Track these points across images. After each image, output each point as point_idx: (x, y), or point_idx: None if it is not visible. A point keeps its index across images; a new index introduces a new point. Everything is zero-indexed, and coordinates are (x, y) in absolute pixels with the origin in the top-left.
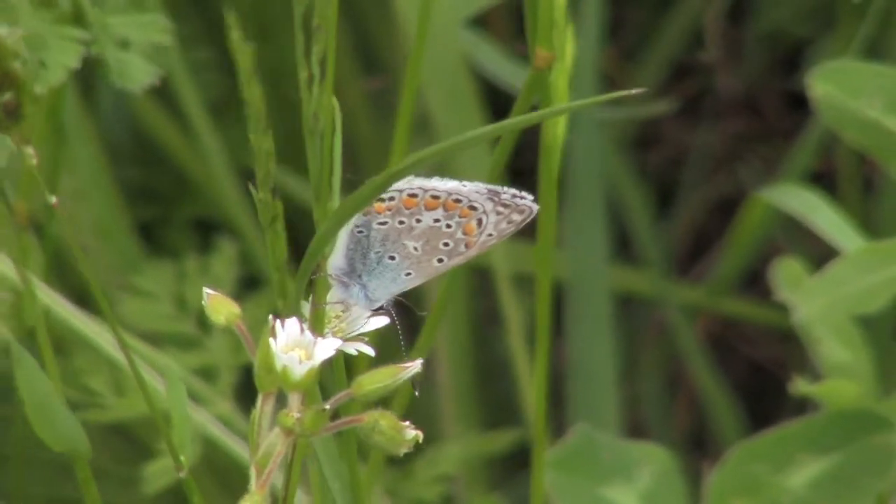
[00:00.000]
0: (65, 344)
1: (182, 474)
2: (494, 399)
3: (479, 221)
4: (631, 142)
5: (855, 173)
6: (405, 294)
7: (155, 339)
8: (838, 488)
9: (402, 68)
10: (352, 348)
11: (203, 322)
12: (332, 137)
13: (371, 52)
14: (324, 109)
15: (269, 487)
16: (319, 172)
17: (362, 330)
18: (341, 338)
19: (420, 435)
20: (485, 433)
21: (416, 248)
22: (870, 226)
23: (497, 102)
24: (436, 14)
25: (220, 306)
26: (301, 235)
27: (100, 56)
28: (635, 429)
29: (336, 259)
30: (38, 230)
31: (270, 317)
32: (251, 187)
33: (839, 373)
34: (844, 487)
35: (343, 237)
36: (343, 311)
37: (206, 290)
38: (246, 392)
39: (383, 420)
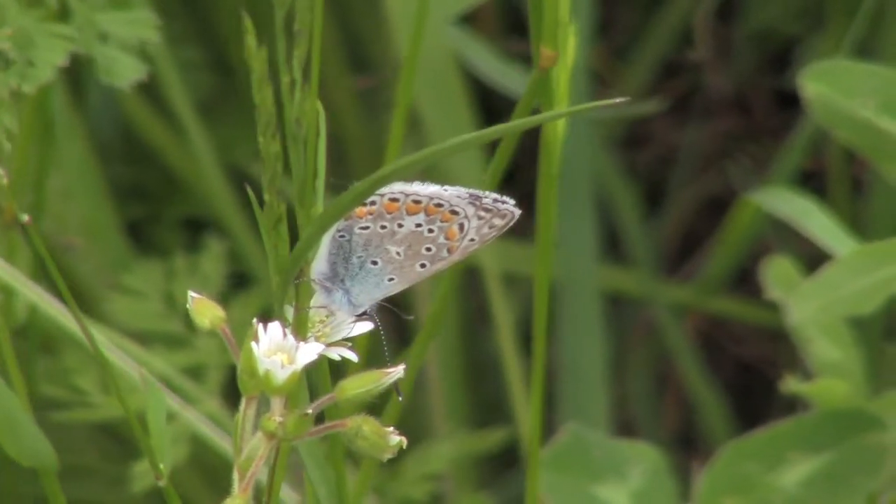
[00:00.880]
0: (53, 342)
1: (161, 483)
2: (483, 398)
3: (461, 226)
4: (620, 141)
5: (844, 172)
6: (391, 299)
7: (143, 338)
8: (830, 487)
9: (392, 66)
10: (335, 353)
11: (191, 321)
12: (315, 142)
13: (360, 50)
14: (306, 114)
15: (253, 490)
16: (303, 177)
17: (346, 335)
18: (324, 342)
19: (404, 441)
20: (474, 432)
21: (398, 253)
22: (858, 226)
23: (486, 100)
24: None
25: (205, 309)
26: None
27: (87, 53)
28: (625, 428)
29: (318, 264)
30: (25, 228)
31: (254, 320)
32: (249, 189)
33: (830, 372)
34: (836, 486)
35: (325, 242)
36: (327, 316)
37: (191, 294)
38: (234, 390)
39: (366, 425)
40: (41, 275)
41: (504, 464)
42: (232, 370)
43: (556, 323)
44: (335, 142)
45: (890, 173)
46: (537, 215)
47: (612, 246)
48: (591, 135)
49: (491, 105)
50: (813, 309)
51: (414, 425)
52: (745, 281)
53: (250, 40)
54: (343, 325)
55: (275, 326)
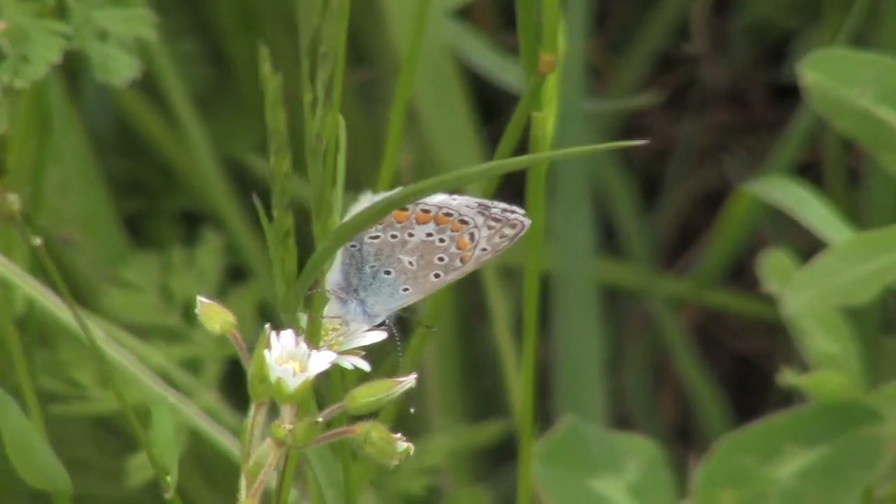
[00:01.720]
0: (50, 336)
1: (168, 495)
2: (480, 391)
3: (472, 236)
4: (616, 134)
5: (841, 164)
6: (409, 309)
7: (141, 331)
8: (826, 480)
9: (389, 60)
10: (347, 362)
11: (189, 314)
12: (335, 156)
13: (358, 44)
14: (327, 130)
15: (261, 496)
16: (321, 190)
17: (358, 344)
18: (337, 351)
19: (411, 447)
20: (471, 425)
21: (411, 263)
22: (856, 216)
23: (483, 94)
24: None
25: (215, 315)
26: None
27: (83, 50)
28: (621, 421)
29: (333, 274)
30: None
31: (267, 327)
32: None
33: (827, 364)
34: (832, 479)
35: (338, 252)
36: (340, 325)
37: (200, 299)
38: (231, 384)
39: (375, 432)
40: (39, 268)
41: (501, 457)
42: (229, 364)
43: (553, 316)
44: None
45: (887, 162)
46: (528, 210)
47: (609, 239)
48: (588, 128)
49: (488, 98)
50: (808, 298)
51: (411, 419)
52: (741, 274)
53: (265, 68)
54: (357, 333)
55: (287, 334)
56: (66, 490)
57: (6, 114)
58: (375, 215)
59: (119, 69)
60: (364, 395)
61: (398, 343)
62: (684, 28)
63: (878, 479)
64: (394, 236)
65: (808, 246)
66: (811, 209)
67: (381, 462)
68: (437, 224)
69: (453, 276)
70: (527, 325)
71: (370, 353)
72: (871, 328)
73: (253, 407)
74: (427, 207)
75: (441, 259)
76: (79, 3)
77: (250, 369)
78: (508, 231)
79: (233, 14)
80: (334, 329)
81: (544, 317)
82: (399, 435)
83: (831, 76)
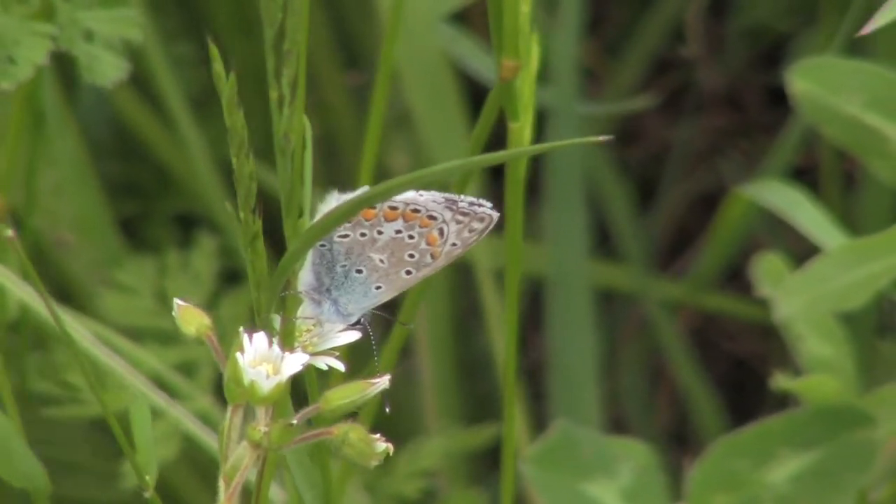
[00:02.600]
0: (44, 338)
1: (147, 494)
2: (476, 394)
3: (441, 231)
4: (612, 137)
5: (836, 169)
6: (386, 306)
7: (135, 335)
8: (819, 483)
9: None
10: (321, 363)
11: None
12: (301, 155)
13: (352, 46)
14: (294, 130)
15: (238, 498)
16: (290, 190)
17: (333, 344)
18: (311, 352)
19: (390, 447)
20: (466, 428)
21: (382, 261)
22: (851, 221)
23: (477, 97)
24: (415, 9)
25: (191, 317)
26: (279, 231)
27: (70, 52)
28: (616, 424)
29: (304, 275)
30: (17, 224)
31: (241, 329)
32: (228, 205)
33: (820, 368)
34: (826, 483)
35: (309, 253)
36: (315, 325)
37: (177, 301)
38: None
39: (353, 433)
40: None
41: (496, 460)
42: None
43: (548, 319)
44: (327, 138)
45: (877, 169)
46: (506, 221)
47: (604, 242)
48: (583, 131)
49: (482, 102)
50: (799, 303)
51: (406, 421)
52: (737, 277)
53: (218, 67)
54: (331, 334)
55: (260, 337)
56: (44, 489)
57: None
58: (344, 215)
59: (106, 70)
60: (338, 397)
61: (373, 342)
62: (680, 31)
63: (871, 483)
64: (363, 234)
65: (804, 249)
66: (805, 213)
67: (360, 463)
68: (406, 221)
69: (425, 272)
70: (508, 329)
71: (352, 352)
72: (866, 332)
73: (229, 409)
74: (394, 204)
75: (412, 255)
76: (65, 3)
77: (225, 372)
78: (477, 225)
79: (229, 16)
80: (308, 330)
81: (539, 319)
82: (378, 435)
83: (820, 84)
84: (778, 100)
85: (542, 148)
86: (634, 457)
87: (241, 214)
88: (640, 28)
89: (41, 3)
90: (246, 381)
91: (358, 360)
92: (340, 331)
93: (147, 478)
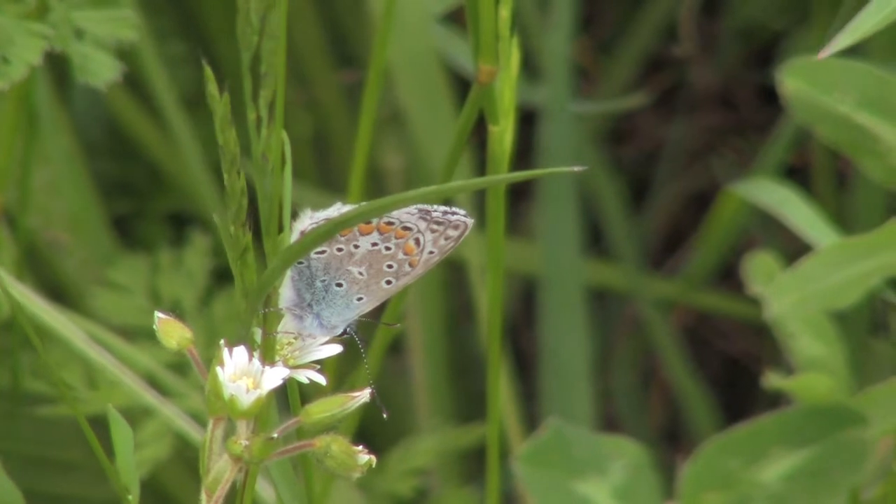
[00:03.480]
0: (38, 337)
1: None
2: (468, 392)
3: (417, 241)
4: (605, 135)
5: (829, 167)
6: (371, 312)
7: (128, 333)
8: (811, 482)
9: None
10: (302, 376)
11: (176, 315)
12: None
13: (344, 45)
14: (272, 150)
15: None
16: (269, 209)
17: (314, 357)
18: (292, 366)
19: (373, 459)
20: (459, 427)
21: (361, 273)
22: (843, 220)
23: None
24: (408, 9)
25: (172, 330)
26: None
27: (64, 51)
28: (608, 423)
29: (285, 291)
30: (10, 223)
31: (221, 343)
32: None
33: (813, 367)
34: (818, 481)
35: (287, 270)
36: (295, 339)
37: (158, 314)
38: None
39: (335, 444)
40: (27, 270)
41: None
42: None
43: (540, 318)
44: (320, 138)
45: (869, 169)
46: (488, 227)
47: (597, 240)
48: (576, 129)
49: None
50: (790, 301)
51: (399, 420)
52: (729, 276)
53: (212, 87)
54: (312, 347)
55: (240, 351)
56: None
57: None
58: (320, 238)
59: (99, 70)
60: (319, 411)
61: (361, 348)
62: (673, 30)
63: (863, 482)
64: (340, 249)
65: (797, 248)
66: (798, 212)
67: (343, 474)
68: (381, 233)
69: (406, 281)
70: (490, 333)
71: (341, 358)
72: (859, 330)
73: (211, 422)
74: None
75: (390, 266)
76: (60, 3)
77: (206, 386)
78: (452, 232)
79: (222, 16)
80: (289, 343)
81: (532, 318)
82: (360, 447)
83: (811, 83)
84: (771, 99)
85: (519, 176)
86: (627, 455)
87: (232, 229)
88: (633, 27)
89: (35, 3)
90: (226, 395)
91: (347, 365)
92: (322, 343)
93: (130, 497)
